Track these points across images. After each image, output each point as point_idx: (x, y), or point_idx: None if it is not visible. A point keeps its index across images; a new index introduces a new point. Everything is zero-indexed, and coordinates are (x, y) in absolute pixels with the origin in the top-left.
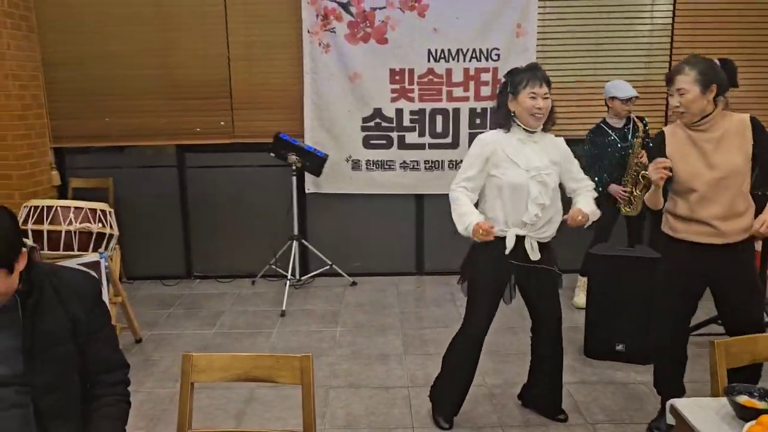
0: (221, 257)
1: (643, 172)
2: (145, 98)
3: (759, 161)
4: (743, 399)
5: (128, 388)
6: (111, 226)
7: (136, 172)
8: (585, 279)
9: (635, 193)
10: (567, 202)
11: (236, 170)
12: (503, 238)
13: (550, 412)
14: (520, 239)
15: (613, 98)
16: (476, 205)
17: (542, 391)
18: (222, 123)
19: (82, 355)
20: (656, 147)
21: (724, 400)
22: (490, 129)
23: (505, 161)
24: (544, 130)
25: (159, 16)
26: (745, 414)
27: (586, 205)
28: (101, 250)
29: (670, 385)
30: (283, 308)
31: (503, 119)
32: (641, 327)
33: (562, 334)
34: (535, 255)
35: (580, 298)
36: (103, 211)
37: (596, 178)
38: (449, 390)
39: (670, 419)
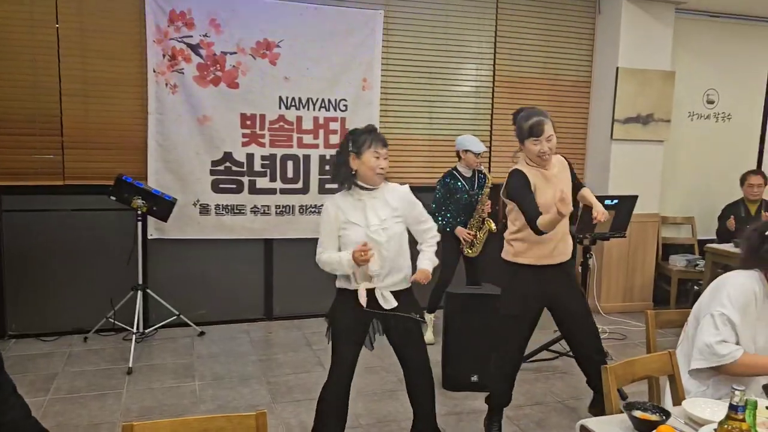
0: (44, 312)
1: (487, 218)
2: None
3: (574, 189)
4: (639, 414)
5: None
6: None
7: None
8: (432, 316)
9: (479, 237)
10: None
11: (65, 214)
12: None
13: None
14: (371, 291)
15: (466, 151)
16: None
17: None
18: (51, 156)
19: None
20: (521, 181)
21: (621, 416)
22: (335, 184)
23: (346, 222)
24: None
25: None
26: (643, 426)
27: (428, 261)
28: None
29: (503, 398)
30: (130, 365)
31: (344, 178)
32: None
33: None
34: (388, 304)
35: (428, 335)
36: None
37: (443, 221)
38: None
39: None
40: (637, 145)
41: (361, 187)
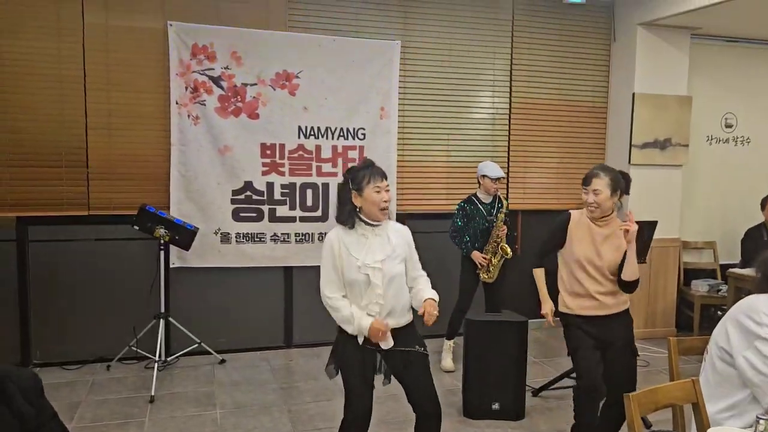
0: (67, 341)
1: (502, 244)
2: None
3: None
4: None
5: None
6: None
7: None
8: (451, 342)
9: (493, 262)
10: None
11: (90, 244)
12: None
13: None
14: None
15: (484, 176)
16: None
17: None
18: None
19: None
20: (561, 221)
21: None
22: (338, 223)
23: (347, 257)
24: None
25: (4, 76)
26: None
27: (431, 292)
28: None
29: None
30: (152, 393)
31: (347, 216)
32: (512, 386)
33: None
34: (386, 344)
35: (447, 362)
36: None
37: (462, 246)
38: None
39: None
40: (656, 170)
41: (366, 223)
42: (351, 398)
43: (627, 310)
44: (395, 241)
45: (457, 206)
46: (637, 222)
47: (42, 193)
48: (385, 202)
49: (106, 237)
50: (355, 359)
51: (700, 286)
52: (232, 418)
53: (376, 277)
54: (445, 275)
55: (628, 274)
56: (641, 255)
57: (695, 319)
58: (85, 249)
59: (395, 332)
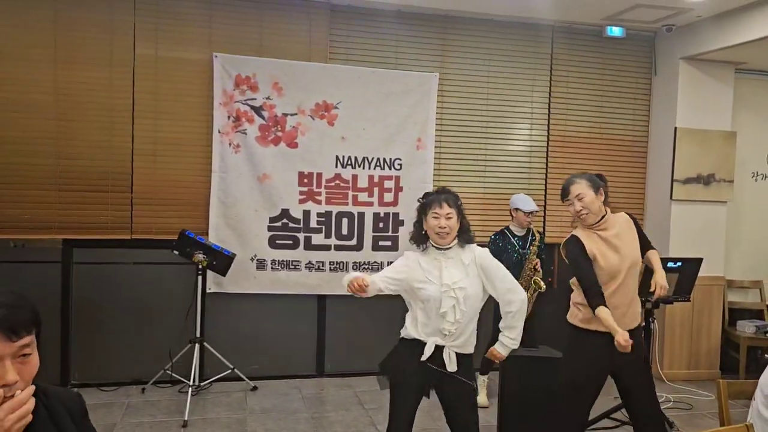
0: (105, 363)
1: (535, 277)
2: (36, 188)
3: (641, 249)
4: None
5: None
6: None
7: (10, 267)
8: (485, 377)
9: (527, 296)
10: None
11: (131, 267)
12: (424, 344)
13: None
14: (439, 348)
15: (517, 209)
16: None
17: None
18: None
19: None
20: (576, 248)
21: None
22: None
23: (422, 277)
24: (463, 242)
25: (59, 104)
26: None
27: (504, 344)
28: None
29: None
30: (185, 418)
31: (418, 238)
32: (549, 424)
33: None
34: (452, 366)
35: (482, 398)
36: None
37: None
38: None
39: None
40: (699, 206)
41: (436, 248)
42: (392, 415)
43: (640, 327)
44: (467, 262)
45: (489, 239)
46: (682, 259)
47: (88, 217)
48: (441, 228)
49: (146, 261)
50: (404, 376)
51: (746, 327)
52: None
53: (451, 299)
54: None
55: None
56: (684, 293)
57: (741, 361)
58: (126, 272)
59: (459, 358)
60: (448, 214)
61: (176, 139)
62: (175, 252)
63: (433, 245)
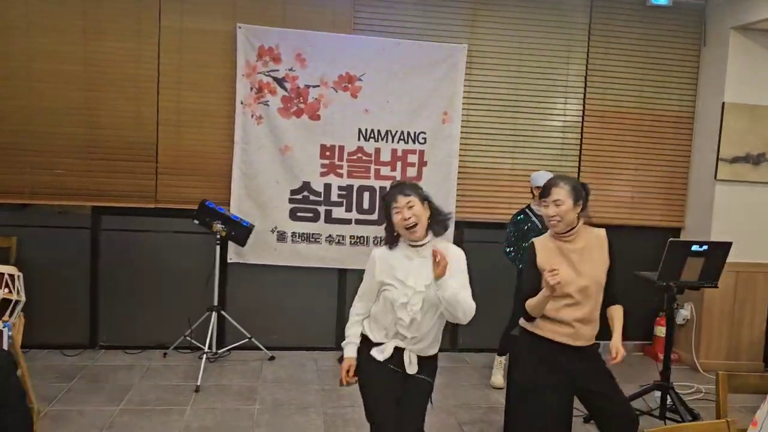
0: (131, 326)
1: None
2: (66, 156)
3: (609, 274)
4: None
5: None
6: (18, 292)
7: (44, 231)
8: (502, 359)
9: None
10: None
11: (155, 235)
12: (383, 344)
13: None
14: (399, 350)
15: (538, 188)
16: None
17: None
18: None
19: None
20: (528, 261)
21: None
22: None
23: (390, 276)
24: (439, 231)
25: (88, 75)
26: None
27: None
28: (5, 318)
29: None
30: (198, 383)
31: (389, 236)
32: None
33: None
34: (412, 369)
35: (498, 378)
36: (11, 275)
37: (516, 260)
38: None
39: None
40: (746, 187)
41: (409, 243)
42: (370, 414)
43: (595, 345)
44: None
45: (511, 219)
46: (708, 242)
47: (115, 185)
48: (406, 220)
49: (170, 229)
50: (380, 380)
51: None
52: (267, 415)
53: (417, 300)
54: (505, 288)
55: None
56: (711, 279)
57: None
58: (151, 240)
59: (421, 361)
60: (408, 202)
61: (200, 110)
62: (196, 221)
63: (407, 242)
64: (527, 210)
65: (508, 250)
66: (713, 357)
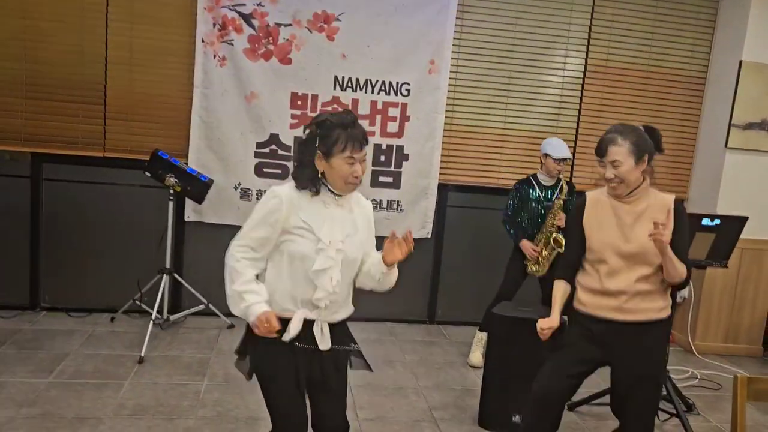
0: (77, 287)
1: (555, 235)
2: (1, 94)
3: (672, 245)
4: None
5: None
6: None
7: None
8: (483, 335)
9: (543, 254)
10: None
11: (104, 187)
12: (287, 320)
13: None
14: (308, 322)
15: (546, 155)
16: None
17: None
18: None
19: None
20: (576, 210)
21: None
22: (294, 183)
23: (299, 226)
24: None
25: (27, 1)
26: None
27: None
28: None
29: None
30: (142, 354)
31: (308, 181)
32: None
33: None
34: (324, 344)
35: (476, 356)
36: None
37: (512, 231)
38: None
39: None
40: (759, 157)
41: (329, 190)
42: (279, 420)
43: (661, 322)
44: (359, 218)
45: (513, 187)
46: (721, 216)
47: (57, 130)
48: (356, 177)
49: (121, 182)
50: (284, 366)
51: None
52: (216, 393)
53: (335, 258)
54: (492, 258)
55: (670, 276)
56: (721, 258)
57: None
58: (99, 192)
59: (332, 328)
60: (364, 157)
61: (155, 48)
62: (147, 174)
63: (328, 188)
64: (531, 178)
65: (504, 218)
66: (710, 339)
